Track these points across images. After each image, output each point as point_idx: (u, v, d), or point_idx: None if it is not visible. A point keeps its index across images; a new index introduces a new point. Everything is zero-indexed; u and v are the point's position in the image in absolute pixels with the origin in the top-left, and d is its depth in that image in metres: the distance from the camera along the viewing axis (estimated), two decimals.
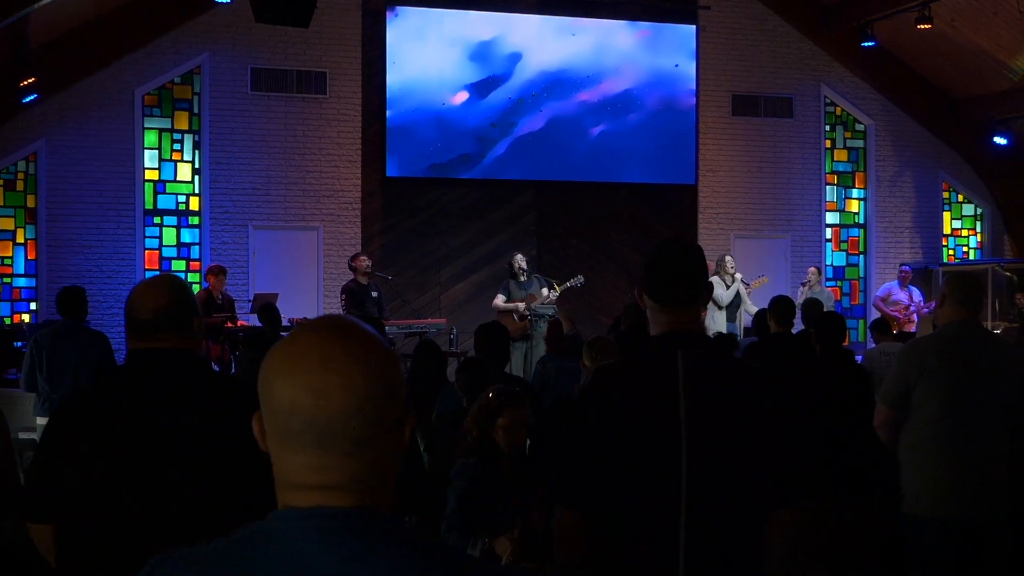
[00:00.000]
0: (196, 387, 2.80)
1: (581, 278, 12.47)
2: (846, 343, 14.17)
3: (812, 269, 14.15)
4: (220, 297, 11.97)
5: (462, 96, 14.45)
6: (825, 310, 13.58)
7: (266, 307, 10.68)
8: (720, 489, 2.80)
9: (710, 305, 12.08)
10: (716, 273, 12.39)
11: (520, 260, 12.16)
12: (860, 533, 5.92)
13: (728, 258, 12.69)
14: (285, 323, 11.58)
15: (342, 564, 1.35)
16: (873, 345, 10.32)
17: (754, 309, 12.20)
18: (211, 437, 2.67)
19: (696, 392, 2.82)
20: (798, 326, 9.18)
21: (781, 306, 7.41)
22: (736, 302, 12.39)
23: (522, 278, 12.06)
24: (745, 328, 12.25)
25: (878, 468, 5.58)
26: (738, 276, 12.50)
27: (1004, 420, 4.69)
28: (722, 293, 12.26)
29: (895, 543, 5.13)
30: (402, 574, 1.36)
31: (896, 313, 13.88)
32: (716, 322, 12.10)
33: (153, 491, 2.63)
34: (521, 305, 11.81)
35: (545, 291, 11.91)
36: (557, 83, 14.80)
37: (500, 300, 11.99)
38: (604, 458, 2.84)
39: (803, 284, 13.89)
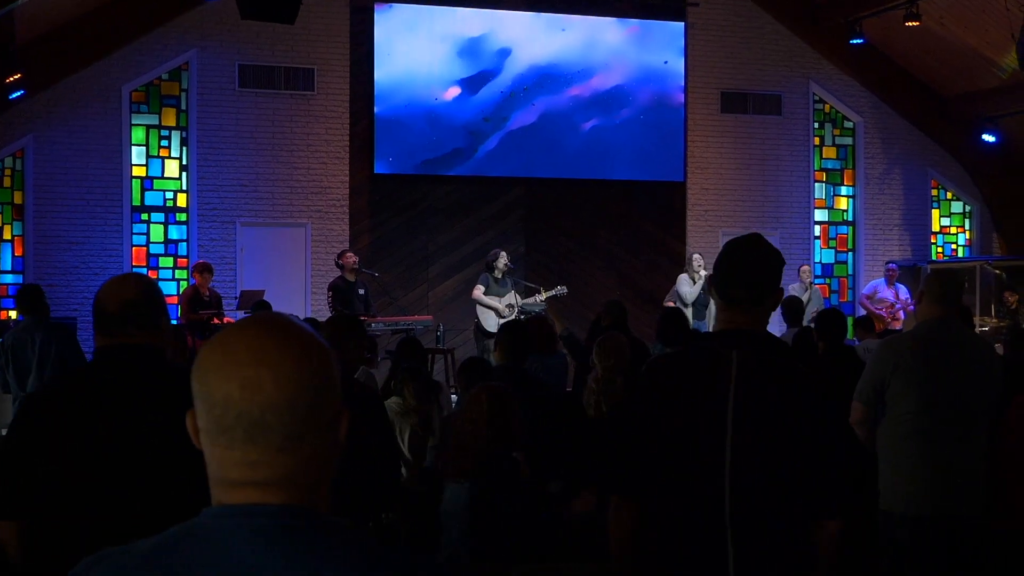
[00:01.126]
0: (163, 383, 2.79)
1: (564, 289, 12.43)
2: None
3: (806, 268, 14.26)
4: (207, 294, 11.96)
5: (453, 91, 14.44)
6: (820, 309, 13.79)
7: (261, 304, 10.70)
8: (765, 492, 2.79)
9: (678, 303, 12.13)
10: (684, 271, 12.49)
11: (503, 258, 12.12)
12: (853, 533, 5.91)
13: (696, 256, 12.70)
14: None
15: (273, 563, 1.34)
16: (856, 342, 10.34)
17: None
18: (177, 434, 2.66)
19: (746, 395, 2.80)
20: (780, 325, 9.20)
21: None
22: (704, 300, 12.32)
23: (498, 275, 12.03)
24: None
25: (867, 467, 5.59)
26: (703, 274, 12.43)
27: (981, 417, 4.68)
28: (688, 290, 12.28)
29: (872, 541, 5.13)
30: (330, 570, 1.34)
31: (881, 311, 13.89)
32: None
33: (116, 488, 2.62)
34: (503, 308, 11.79)
35: (516, 295, 11.91)
36: (548, 77, 14.80)
37: (480, 291, 11.98)
38: (651, 447, 2.85)
39: (809, 284, 13.97)
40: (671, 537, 2.85)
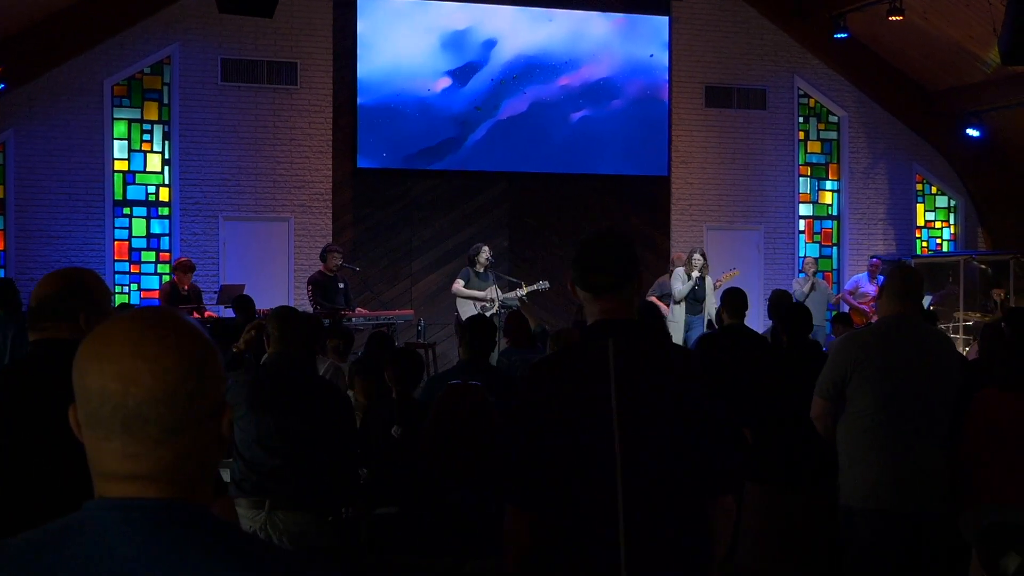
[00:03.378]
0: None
1: (546, 284, 12.40)
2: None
3: (810, 259, 14.37)
4: (186, 289, 11.95)
5: (443, 82, 14.44)
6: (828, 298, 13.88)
7: (240, 299, 10.68)
8: (656, 477, 2.81)
9: (663, 297, 12.06)
10: (682, 266, 12.39)
11: (485, 252, 12.10)
12: (815, 522, 5.92)
13: (696, 255, 12.38)
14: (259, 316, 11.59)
15: (149, 557, 1.34)
16: (833, 338, 10.37)
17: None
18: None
19: (627, 381, 2.82)
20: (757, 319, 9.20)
21: (733, 298, 7.44)
22: (700, 295, 12.26)
23: (480, 269, 12.02)
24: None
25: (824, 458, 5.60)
26: (695, 274, 12.31)
27: (940, 413, 4.69)
28: (680, 287, 12.16)
29: (833, 534, 5.14)
30: (208, 567, 1.35)
31: (863, 306, 13.90)
32: (674, 315, 12.06)
33: (22, 479, 2.62)
34: (486, 295, 11.78)
35: (497, 289, 11.89)
36: (537, 67, 14.80)
37: (460, 285, 11.96)
38: (541, 451, 2.85)
39: (811, 275, 14.05)
40: (565, 540, 2.84)
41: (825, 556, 5.88)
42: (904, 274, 4.89)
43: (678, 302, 12.03)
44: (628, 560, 2.77)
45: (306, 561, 1.45)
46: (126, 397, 1.37)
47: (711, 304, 12.24)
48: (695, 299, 12.23)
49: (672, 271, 12.61)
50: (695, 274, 12.24)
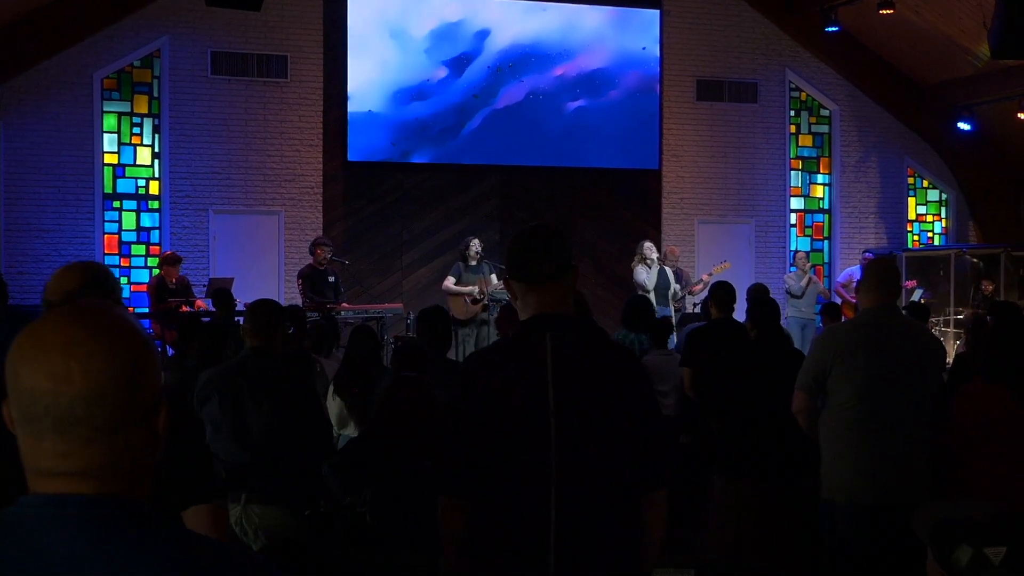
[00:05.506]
0: None
1: None
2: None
3: (802, 254, 14.38)
4: (174, 283, 11.94)
5: (438, 74, 14.42)
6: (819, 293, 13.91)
7: (219, 292, 10.66)
8: (590, 471, 2.81)
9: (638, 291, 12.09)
10: (641, 261, 12.41)
11: (475, 244, 12.10)
12: (789, 518, 5.92)
13: (647, 244, 12.51)
14: (241, 307, 11.57)
15: (82, 552, 1.34)
16: (821, 330, 10.37)
17: (680, 293, 12.30)
18: None
19: (564, 375, 2.83)
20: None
21: (721, 292, 7.44)
22: (664, 284, 12.28)
23: (472, 262, 12.02)
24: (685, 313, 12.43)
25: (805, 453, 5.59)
26: (653, 256, 12.36)
27: (921, 406, 4.69)
28: (644, 278, 12.18)
29: (814, 530, 5.14)
30: (144, 561, 1.35)
31: (855, 299, 13.90)
32: None
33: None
34: (475, 289, 11.78)
35: (494, 277, 11.87)
36: (532, 56, 14.77)
37: (450, 282, 11.96)
38: (476, 443, 2.85)
39: (805, 270, 14.02)
40: (496, 532, 2.84)
41: (800, 550, 5.89)
42: (878, 266, 4.92)
43: (648, 292, 12.01)
44: (557, 554, 2.78)
45: (247, 559, 1.45)
46: (57, 397, 1.36)
47: (676, 290, 12.35)
48: (664, 287, 12.25)
49: (634, 267, 12.57)
50: (654, 256, 12.25)
